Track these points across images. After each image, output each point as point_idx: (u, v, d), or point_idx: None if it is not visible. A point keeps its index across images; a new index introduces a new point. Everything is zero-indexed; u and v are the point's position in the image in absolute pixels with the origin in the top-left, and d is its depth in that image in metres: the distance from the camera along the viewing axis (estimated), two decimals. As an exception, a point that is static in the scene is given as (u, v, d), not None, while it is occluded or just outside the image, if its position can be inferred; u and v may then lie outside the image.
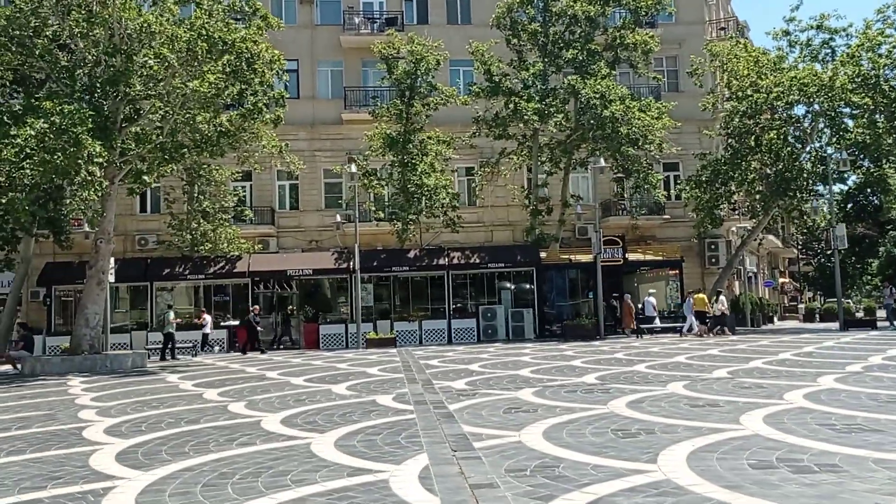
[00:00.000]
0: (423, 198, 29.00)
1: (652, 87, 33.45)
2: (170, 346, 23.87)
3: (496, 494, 5.19)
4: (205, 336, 27.11)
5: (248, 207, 31.70)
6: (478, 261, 30.36)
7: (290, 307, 30.71)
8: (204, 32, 18.92)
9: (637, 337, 26.21)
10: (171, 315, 24.11)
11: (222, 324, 29.22)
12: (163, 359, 23.54)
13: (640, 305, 29.46)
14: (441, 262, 30.17)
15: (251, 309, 27.36)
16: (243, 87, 20.37)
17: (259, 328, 26.55)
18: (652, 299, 28.56)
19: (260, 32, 20.25)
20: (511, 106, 29.32)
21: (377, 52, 29.93)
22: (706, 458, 6.00)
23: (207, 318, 27.48)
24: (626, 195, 33.31)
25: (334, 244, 32.16)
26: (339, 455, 6.84)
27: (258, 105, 20.88)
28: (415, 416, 8.94)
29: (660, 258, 32.53)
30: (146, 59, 19.27)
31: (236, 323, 28.94)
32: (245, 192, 32.48)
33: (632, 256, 31.53)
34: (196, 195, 29.59)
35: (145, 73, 19.50)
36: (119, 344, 26.39)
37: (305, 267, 30.16)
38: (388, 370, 15.80)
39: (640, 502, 4.85)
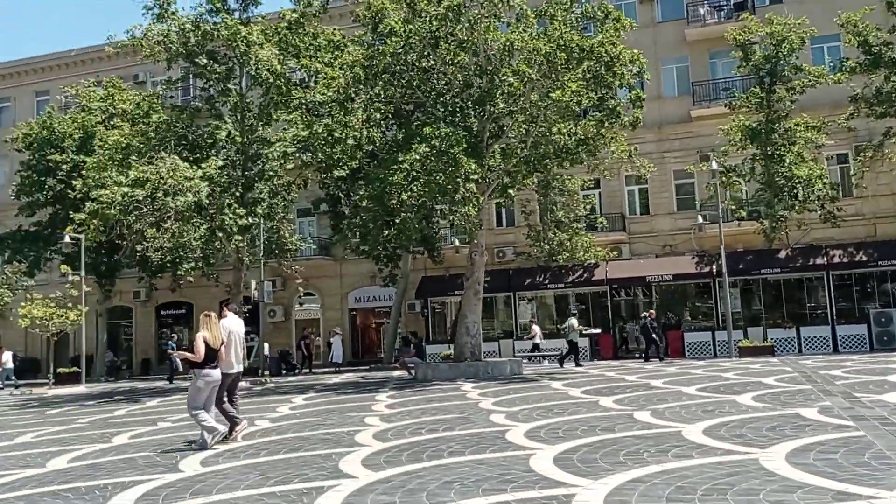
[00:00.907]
0: (795, 191, 26.24)
1: None
2: (572, 353, 24.28)
3: None
4: (535, 346, 27.37)
5: (599, 215, 31.58)
6: (864, 258, 26.64)
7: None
8: (562, 42, 19.10)
9: None
10: (575, 322, 24.65)
11: (584, 332, 29.31)
12: (561, 365, 24.05)
13: None
14: (818, 261, 27.00)
15: (646, 314, 26.85)
16: (604, 91, 20.18)
17: (655, 333, 25.92)
18: None
19: (617, 34, 19.90)
20: (896, 78, 25.43)
21: (732, 38, 27.88)
22: None
23: (536, 328, 27.93)
24: None
25: (689, 248, 30.64)
26: (803, 475, 6.02)
27: (617, 109, 20.52)
28: (864, 434, 7.71)
29: None
30: (506, 76, 20.00)
31: (598, 331, 28.83)
32: (595, 199, 32.43)
33: None
34: (549, 206, 30.18)
35: (506, 91, 20.23)
36: (489, 352, 27.80)
37: (664, 272, 29.04)
38: (785, 381, 14.26)
39: None
